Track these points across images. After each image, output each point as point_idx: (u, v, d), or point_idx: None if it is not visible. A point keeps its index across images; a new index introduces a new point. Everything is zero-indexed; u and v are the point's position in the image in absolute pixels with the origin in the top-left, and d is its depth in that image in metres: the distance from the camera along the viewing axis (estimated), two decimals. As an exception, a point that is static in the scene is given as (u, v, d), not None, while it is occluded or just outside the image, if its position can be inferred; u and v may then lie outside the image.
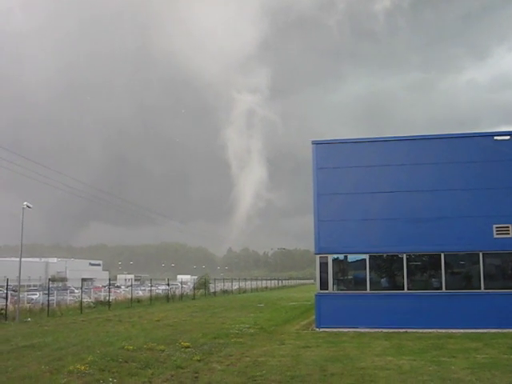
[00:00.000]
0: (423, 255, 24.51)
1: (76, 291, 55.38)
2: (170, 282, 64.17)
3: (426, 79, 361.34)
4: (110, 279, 61.67)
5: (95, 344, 19.29)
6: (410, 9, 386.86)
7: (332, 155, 25.81)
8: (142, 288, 72.70)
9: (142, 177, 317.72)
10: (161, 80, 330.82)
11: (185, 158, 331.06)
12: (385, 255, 24.75)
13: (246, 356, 16.51)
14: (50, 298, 39.34)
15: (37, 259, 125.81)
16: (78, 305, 40.68)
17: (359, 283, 24.66)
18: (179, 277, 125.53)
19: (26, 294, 47.28)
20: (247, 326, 25.72)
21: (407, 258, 23.99)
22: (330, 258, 24.48)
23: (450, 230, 23.75)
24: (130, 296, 50.19)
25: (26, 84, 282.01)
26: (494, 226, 23.29)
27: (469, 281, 23.96)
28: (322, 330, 23.34)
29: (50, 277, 79.35)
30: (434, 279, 24.19)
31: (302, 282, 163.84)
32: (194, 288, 67.06)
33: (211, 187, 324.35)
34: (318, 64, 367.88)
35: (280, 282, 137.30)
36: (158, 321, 29.55)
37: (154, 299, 51.86)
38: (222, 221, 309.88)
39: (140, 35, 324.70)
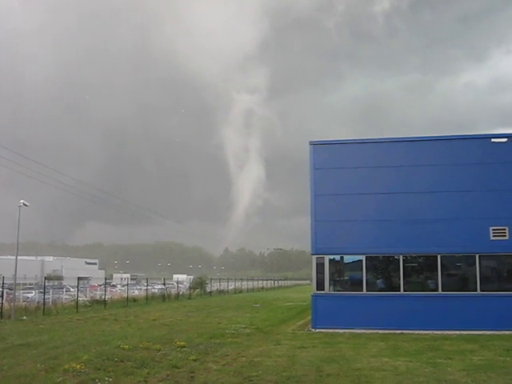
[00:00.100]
0: (420, 257, 24.52)
1: (72, 290, 55.27)
2: (166, 282, 64.10)
3: (424, 81, 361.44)
4: (105, 278, 61.63)
5: (91, 343, 19.26)
6: (408, 10, 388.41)
7: (329, 156, 25.81)
8: (138, 287, 72.59)
9: (139, 176, 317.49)
10: (160, 79, 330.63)
11: (182, 157, 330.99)
12: (381, 256, 24.75)
13: (242, 356, 16.50)
14: (46, 296, 39.22)
15: (33, 257, 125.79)
16: (73, 303, 40.57)
17: (355, 284, 24.65)
18: (175, 276, 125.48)
19: (21, 292, 47.31)
20: (243, 326, 25.72)
21: (404, 260, 24.02)
22: (327, 258, 24.48)
23: (447, 231, 23.78)
24: (125, 295, 50.11)
25: (24, 82, 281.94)
26: (491, 228, 23.33)
27: (465, 283, 23.98)
28: (318, 330, 23.35)
29: (45, 275, 79.29)
30: (430, 281, 24.20)
31: (298, 282, 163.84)
32: (190, 288, 67.00)
33: (208, 187, 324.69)
34: (316, 64, 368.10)
35: (276, 282, 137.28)
36: (154, 320, 29.52)
37: (150, 298, 51.85)
38: (218, 221, 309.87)
39: (139, 34, 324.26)
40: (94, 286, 69.34)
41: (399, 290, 23.81)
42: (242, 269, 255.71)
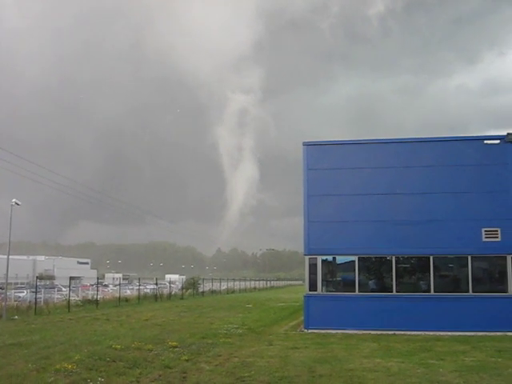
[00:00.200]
0: (412, 258, 24.58)
1: (64, 289, 55.10)
2: (159, 282, 64.00)
3: (416, 83, 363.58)
4: (98, 278, 61.42)
5: (83, 343, 19.18)
6: (401, 12, 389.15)
7: (323, 157, 25.81)
8: (130, 287, 72.46)
9: (133, 176, 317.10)
10: (155, 78, 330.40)
11: (176, 157, 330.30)
12: (374, 257, 24.78)
13: (235, 356, 16.48)
14: (38, 296, 39.13)
15: (24, 257, 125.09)
16: (65, 303, 40.45)
17: (348, 285, 24.66)
18: (167, 276, 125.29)
19: (13, 291, 47.06)
20: (235, 326, 25.68)
21: (396, 261, 24.07)
22: (320, 259, 24.49)
23: (439, 233, 23.84)
24: (117, 295, 50.00)
25: (17, 80, 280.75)
26: (483, 229, 23.40)
27: (457, 284, 24.06)
28: (310, 331, 23.36)
29: (37, 275, 79.04)
30: (422, 282, 24.26)
31: (291, 282, 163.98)
32: (183, 288, 66.92)
33: (202, 187, 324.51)
34: (310, 66, 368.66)
35: (268, 282, 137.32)
36: (146, 320, 29.46)
37: (142, 298, 51.75)
38: (211, 221, 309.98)
39: (134, 33, 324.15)
40: (86, 285, 69.19)
41: (392, 291, 23.85)
42: (234, 269, 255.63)
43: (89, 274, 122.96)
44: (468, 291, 23.25)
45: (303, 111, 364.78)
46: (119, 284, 63.37)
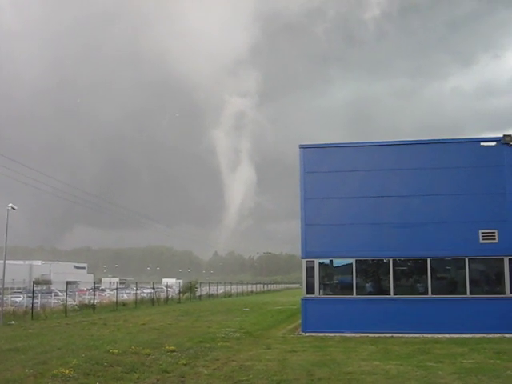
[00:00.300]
0: (409, 260, 24.58)
1: (60, 294, 54.91)
2: (156, 286, 63.82)
3: (412, 85, 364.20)
4: (94, 282, 61.27)
5: (80, 347, 19.11)
6: (397, 15, 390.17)
7: (319, 160, 25.81)
8: (127, 291, 72.27)
9: (129, 179, 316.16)
10: (152, 82, 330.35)
11: (173, 161, 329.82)
12: (371, 260, 24.79)
13: (233, 360, 16.43)
14: (35, 300, 38.96)
15: (21, 262, 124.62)
16: (62, 308, 40.34)
17: (345, 288, 24.67)
18: (164, 280, 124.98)
19: (9, 296, 46.95)
20: (233, 330, 25.63)
21: (394, 263, 24.06)
22: (317, 262, 24.47)
23: (437, 235, 23.85)
24: (114, 299, 49.86)
25: (15, 83, 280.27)
26: (480, 231, 23.43)
27: (455, 286, 24.08)
28: (308, 334, 23.31)
29: (34, 279, 78.69)
30: (420, 284, 24.26)
31: (288, 286, 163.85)
32: (180, 292, 66.77)
33: (199, 191, 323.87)
34: (307, 69, 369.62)
35: (265, 286, 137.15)
36: (144, 324, 29.37)
37: (139, 303, 51.61)
38: (208, 225, 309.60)
39: (132, 37, 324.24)
40: (83, 290, 68.97)
41: (389, 294, 23.84)
42: (231, 273, 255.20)
43: (85, 279, 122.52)
44: (465, 293, 23.27)
45: (300, 114, 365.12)
46: (116, 288, 63.14)
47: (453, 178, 24.33)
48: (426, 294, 23.58)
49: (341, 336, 22.40)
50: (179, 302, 58.65)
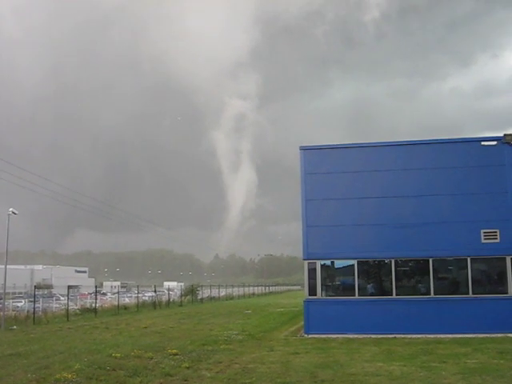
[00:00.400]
0: (411, 261, 24.52)
1: (62, 298, 54.87)
2: (157, 289, 63.78)
3: (410, 86, 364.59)
4: (96, 286, 61.20)
5: (82, 352, 19.07)
6: (395, 17, 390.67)
7: (320, 161, 25.78)
8: (129, 295, 72.23)
9: (130, 183, 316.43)
10: (152, 86, 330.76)
11: (173, 164, 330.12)
12: (373, 261, 24.73)
13: (236, 363, 16.38)
14: (36, 305, 38.93)
15: (22, 266, 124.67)
16: (64, 312, 40.26)
17: (348, 289, 24.61)
18: (166, 283, 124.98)
19: (11, 301, 46.86)
20: (235, 332, 25.56)
21: (395, 264, 24.00)
22: (319, 263, 24.43)
23: (438, 235, 23.79)
24: (116, 303, 49.80)
25: (14, 89, 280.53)
26: (482, 231, 23.38)
27: (457, 286, 24.02)
28: (310, 336, 23.25)
29: (35, 284, 78.67)
30: (422, 285, 24.21)
31: (289, 288, 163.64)
32: (182, 295, 66.75)
33: (199, 193, 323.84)
34: (306, 71, 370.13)
35: (267, 288, 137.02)
36: (146, 328, 29.32)
37: (140, 306, 51.52)
38: (209, 227, 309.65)
39: (131, 40, 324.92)
40: (84, 294, 68.97)
41: (391, 295, 23.78)
42: (232, 275, 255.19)
43: (87, 283, 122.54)
44: (468, 293, 23.20)
45: (299, 116, 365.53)
46: (118, 292, 63.15)
47: (454, 177, 24.29)
48: (429, 294, 23.52)
49: (343, 337, 22.34)
50: (181, 305, 58.58)
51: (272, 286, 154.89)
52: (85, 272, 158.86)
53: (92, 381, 13.78)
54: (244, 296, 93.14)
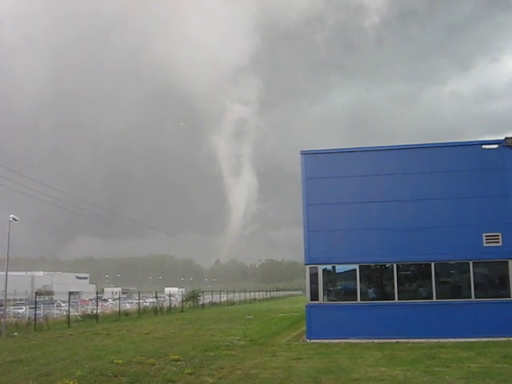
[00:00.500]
0: (413, 265, 24.45)
1: (63, 305, 54.79)
2: (158, 295, 63.68)
3: (410, 90, 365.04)
4: (97, 292, 61.09)
5: (84, 358, 19.01)
6: (394, 21, 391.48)
7: (321, 165, 25.74)
8: (130, 301, 72.11)
9: (130, 189, 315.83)
10: (152, 92, 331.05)
11: (174, 169, 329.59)
12: (375, 265, 24.66)
13: (238, 368, 16.30)
14: (37, 311, 38.85)
15: (22, 273, 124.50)
16: (65, 318, 40.18)
17: (350, 293, 24.54)
18: (167, 289, 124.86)
19: (12, 308, 46.75)
20: (237, 338, 25.48)
21: (397, 268, 23.93)
22: (320, 268, 24.36)
23: (440, 239, 23.73)
24: (117, 309, 49.72)
25: (15, 97, 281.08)
26: (484, 234, 23.32)
27: (459, 290, 23.94)
28: (312, 341, 23.16)
29: (36, 290, 78.55)
30: (424, 289, 24.13)
31: (291, 293, 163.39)
32: (183, 300, 66.66)
33: (199, 199, 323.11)
34: (306, 76, 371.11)
35: (268, 293, 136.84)
36: (147, 334, 29.23)
37: (142, 312, 51.43)
38: (209, 233, 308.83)
39: (132, 47, 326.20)
40: (86, 300, 68.89)
41: (393, 299, 23.70)
42: (233, 281, 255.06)
43: (88, 289, 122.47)
44: (470, 297, 23.13)
45: (300, 121, 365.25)
46: (119, 298, 63.05)
47: (455, 181, 24.25)
48: (431, 298, 23.44)
49: (346, 342, 22.26)
50: (182, 311, 58.47)
51: (273, 291, 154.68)
52: (86, 278, 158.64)
53: (94, 387, 13.71)
54: (245, 301, 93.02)
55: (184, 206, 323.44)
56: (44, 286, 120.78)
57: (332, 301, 24.61)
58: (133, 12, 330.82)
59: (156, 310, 54.03)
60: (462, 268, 23.78)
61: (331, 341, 22.59)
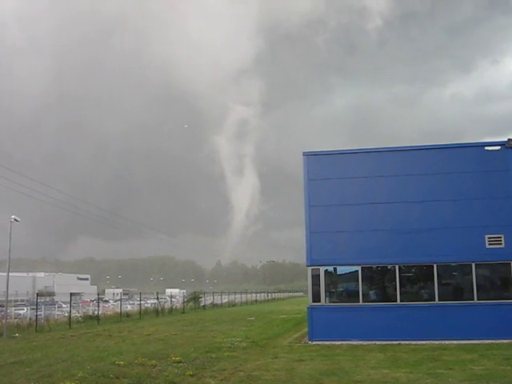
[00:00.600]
0: (415, 266, 24.37)
1: (64, 306, 54.72)
2: (159, 296, 63.59)
3: (411, 92, 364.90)
4: (98, 293, 61.03)
5: (85, 359, 18.96)
6: (396, 23, 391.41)
7: (323, 167, 25.69)
8: (131, 302, 71.99)
9: (131, 190, 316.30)
10: (154, 93, 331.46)
11: (175, 170, 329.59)
12: (377, 267, 24.60)
13: (240, 370, 16.23)
14: (38, 312, 38.81)
15: (24, 274, 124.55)
16: (66, 319, 40.13)
17: (352, 295, 24.49)
18: (168, 290, 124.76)
19: (13, 309, 46.70)
20: (239, 339, 25.41)
21: (399, 270, 23.86)
22: (322, 270, 24.29)
23: (443, 240, 23.67)
24: (118, 310, 49.67)
25: (17, 98, 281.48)
26: (487, 236, 23.25)
27: (462, 292, 23.87)
28: (314, 342, 23.10)
29: (37, 291, 78.60)
30: (426, 290, 24.06)
31: (292, 294, 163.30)
32: (184, 302, 66.59)
33: (201, 200, 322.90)
34: (308, 78, 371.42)
35: (269, 294, 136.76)
36: (149, 335, 29.19)
37: (143, 313, 51.37)
38: (210, 234, 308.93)
39: (134, 48, 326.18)
40: (87, 301, 68.76)
41: (396, 301, 23.64)
42: (234, 282, 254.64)
43: (89, 290, 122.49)
44: (473, 299, 23.05)
45: (301, 122, 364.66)
46: (120, 299, 62.98)
47: (458, 183, 24.19)
48: (433, 300, 23.37)
49: (348, 344, 22.20)
50: (183, 312, 58.41)
51: (274, 292, 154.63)
52: (87, 279, 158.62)
53: (95, 389, 13.66)
54: (246, 303, 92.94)
55: (185, 207, 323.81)
56: (45, 286, 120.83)
57: (334, 302, 24.54)
58: (135, 13, 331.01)
59: (157, 312, 54.00)
60: (465, 270, 23.70)
61: (333, 342, 22.53)
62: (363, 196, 24.83)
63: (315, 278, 24.30)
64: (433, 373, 14.99)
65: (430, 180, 24.52)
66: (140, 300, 59.00)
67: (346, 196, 25.01)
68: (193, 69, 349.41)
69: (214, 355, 19.71)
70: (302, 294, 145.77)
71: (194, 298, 69.35)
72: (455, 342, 21.66)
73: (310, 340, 23.70)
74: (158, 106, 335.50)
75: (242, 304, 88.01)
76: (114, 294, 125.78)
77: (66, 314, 42.86)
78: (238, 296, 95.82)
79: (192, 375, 15.43)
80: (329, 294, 24.60)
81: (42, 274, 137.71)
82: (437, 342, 21.66)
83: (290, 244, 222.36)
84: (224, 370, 16.42)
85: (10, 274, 33.77)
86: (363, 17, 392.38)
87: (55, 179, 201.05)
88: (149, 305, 61.58)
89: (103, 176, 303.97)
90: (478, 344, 20.96)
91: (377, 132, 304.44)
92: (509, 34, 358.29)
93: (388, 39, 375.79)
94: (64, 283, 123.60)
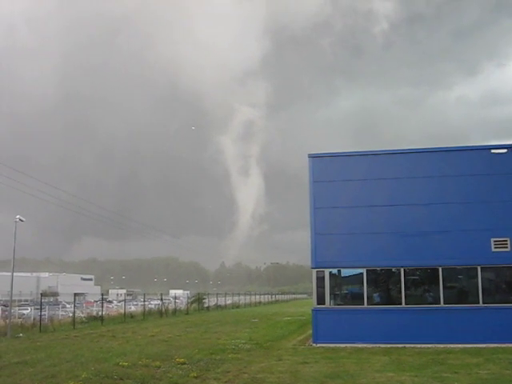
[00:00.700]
0: (420, 269, 24.28)
1: (68, 306, 54.77)
2: (163, 297, 63.56)
3: (417, 94, 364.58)
4: (102, 294, 61.03)
5: (89, 360, 18.92)
6: (402, 26, 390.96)
7: (328, 169, 25.64)
8: (135, 303, 72.04)
9: (135, 190, 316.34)
10: (160, 94, 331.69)
11: (180, 171, 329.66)
12: (382, 269, 24.50)
13: (244, 372, 16.17)
14: (42, 313, 38.81)
15: (28, 274, 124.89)
16: (70, 320, 40.15)
17: (356, 298, 24.38)
18: (172, 291, 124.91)
19: (17, 309, 46.81)
20: (243, 341, 25.34)
21: (404, 272, 23.77)
22: (327, 272, 24.22)
23: (448, 243, 23.57)
24: (122, 311, 49.65)
25: (24, 98, 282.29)
26: (492, 239, 23.13)
27: (467, 295, 23.75)
28: (319, 345, 23.02)
29: (41, 291, 78.74)
30: (431, 294, 23.96)
31: (296, 296, 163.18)
32: (188, 303, 66.58)
33: (205, 201, 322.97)
34: (314, 80, 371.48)
35: (273, 296, 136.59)
36: (153, 336, 29.14)
37: (147, 314, 51.34)
38: (214, 235, 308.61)
39: (141, 49, 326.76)
40: (90, 301, 68.88)
41: (401, 304, 23.54)
42: (238, 283, 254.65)
43: (93, 291, 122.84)
44: (478, 302, 22.93)
45: (307, 125, 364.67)
46: (124, 300, 62.96)
47: (464, 185, 24.09)
48: (438, 303, 23.26)
49: (352, 347, 22.11)
50: (187, 314, 58.37)
51: (278, 294, 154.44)
52: (91, 280, 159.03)
53: (99, 390, 13.62)
54: (250, 304, 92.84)
55: (189, 209, 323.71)
56: (49, 287, 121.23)
57: (338, 305, 24.48)
58: (141, 14, 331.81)
59: (161, 313, 53.97)
60: (470, 273, 23.59)
61: (338, 345, 22.45)
62: (368, 198, 24.75)
63: (320, 280, 24.23)
64: (438, 376, 14.90)
65: (435, 183, 24.42)
66: (144, 301, 59.05)
67: (351, 198, 24.93)
68: (198, 70, 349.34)
69: (218, 357, 19.64)
70: (305, 296, 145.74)
71: (198, 299, 69.34)
72: (460, 345, 21.54)
73: (314, 342, 23.63)
74: (163, 107, 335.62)
75: (245, 306, 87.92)
76: (117, 294, 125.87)
77: (70, 315, 42.93)
78: (241, 297, 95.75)
79: (196, 377, 15.38)
80: (333, 296, 24.51)
81: (46, 274, 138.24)
82: (442, 346, 21.56)
83: (294, 246, 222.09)
84: (228, 371, 16.37)
85: (15, 273, 33.77)
86: (369, 19, 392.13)
87: (61, 180, 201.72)
88: (153, 306, 61.50)
89: (108, 177, 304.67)
90: (484, 348, 20.84)
91: (382, 134, 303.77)
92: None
93: (394, 42, 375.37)
94: (68, 283, 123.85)
